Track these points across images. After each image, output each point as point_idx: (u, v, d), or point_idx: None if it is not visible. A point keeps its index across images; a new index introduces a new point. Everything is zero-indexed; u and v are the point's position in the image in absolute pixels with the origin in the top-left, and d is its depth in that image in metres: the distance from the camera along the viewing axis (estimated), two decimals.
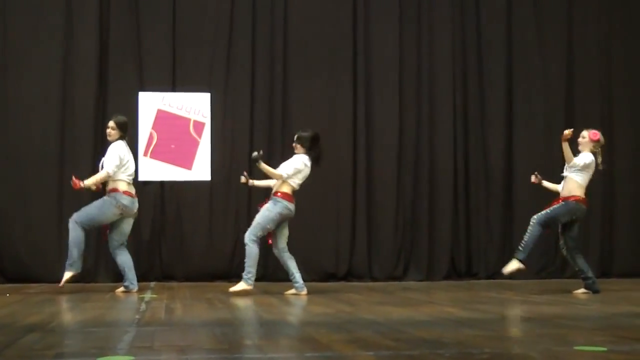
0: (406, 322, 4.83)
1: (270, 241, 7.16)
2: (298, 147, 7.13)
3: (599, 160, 7.20)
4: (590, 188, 7.31)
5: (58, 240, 8.47)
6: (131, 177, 7.25)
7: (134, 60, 8.76)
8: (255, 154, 6.96)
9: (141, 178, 8.61)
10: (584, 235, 9.35)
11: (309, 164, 7.08)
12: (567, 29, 9.61)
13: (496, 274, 9.13)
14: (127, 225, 7.29)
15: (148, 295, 6.79)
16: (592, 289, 7.13)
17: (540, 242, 7.28)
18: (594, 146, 7.12)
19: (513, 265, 7.10)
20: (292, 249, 8.83)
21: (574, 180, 7.11)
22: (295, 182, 7.03)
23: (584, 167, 7.06)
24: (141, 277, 8.40)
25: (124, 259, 7.28)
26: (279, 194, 6.98)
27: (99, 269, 8.54)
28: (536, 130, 9.40)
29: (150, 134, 8.66)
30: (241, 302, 6.18)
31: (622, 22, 9.77)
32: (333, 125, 9.08)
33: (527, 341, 4.15)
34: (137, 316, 5.12)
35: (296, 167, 7.00)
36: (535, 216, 7.17)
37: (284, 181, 6.99)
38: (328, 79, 9.11)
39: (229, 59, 8.95)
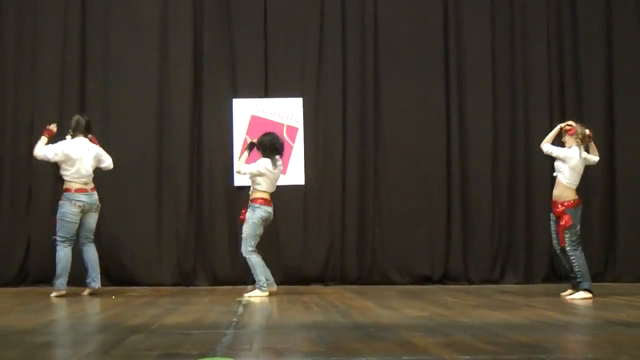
0: (504, 326, 4.75)
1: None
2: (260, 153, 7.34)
3: (583, 153, 7.06)
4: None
5: (157, 245, 8.75)
6: (79, 179, 7.33)
7: (227, 67, 8.97)
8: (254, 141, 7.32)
9: (236, 183, 8.80)
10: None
11: (271, 167, 7.18)
12: None
13: (599, 275, 8.86)
14: (92, 220, 7.41)
15: (245, 298, 6.91)
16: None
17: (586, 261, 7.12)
18: (575, 140, 7.04)
19: (580, 294, 6.87)
20: (387, 250, 8.85)
21: (561, 183, 7.07)
22: (262, 186, 7.19)
23: (565, 159, 7.01)
24: (238, 281, 8.60)
25: (89, 256, 7.37)
26: (256, 200, 7.19)
27: (197, 271, 8.76)
28: (639, 129, 9.05)
29: (245, 140, 8.83)
30: (337, 305, 6.22)
31: None
32: (426, 128, 9.02)
33: (635, 348, 3.98)
34: (235, 319, 5.23)
35: (254, 168, 7.18)
36: (567, 247, 6.97)
37: (257, 189, 7.20)
38: (420, 82, 9.05)
39: (320, 64, 9.03)
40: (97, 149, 7.58)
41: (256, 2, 9.03)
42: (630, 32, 9.14)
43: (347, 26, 9.07)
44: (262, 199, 7.21)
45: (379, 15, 9.09)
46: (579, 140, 7.06)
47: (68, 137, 7.52)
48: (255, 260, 7.20)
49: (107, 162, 7.63)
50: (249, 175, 7.28)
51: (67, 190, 7.35)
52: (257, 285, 7.17)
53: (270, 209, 7.24)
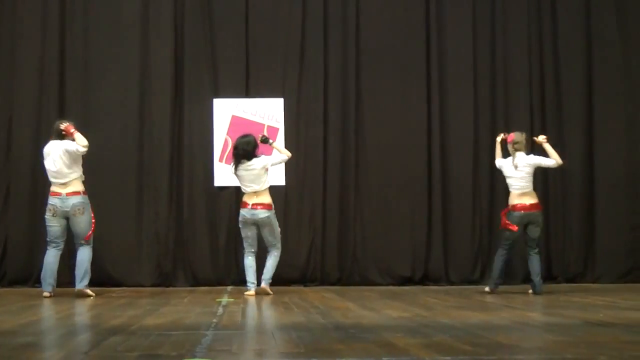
0: (484, 327, 4.77)
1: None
2: None
3: (520, 160, 7.56)
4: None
5: (137, 246, 8.71)
6: (53, 180, 7.23)
7: (208, 67, 8.94)
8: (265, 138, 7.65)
9: (216, 184, 8.78)
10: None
11: (232, 170, 7.55)
12: None
13: (577, 276, 8.95)
14: (75, 226, 7.21)
15: (225, 299, 6.90)
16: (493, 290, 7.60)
17: (507, 264, 7.70)
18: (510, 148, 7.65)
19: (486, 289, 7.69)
20: (368, 251, 8.87)
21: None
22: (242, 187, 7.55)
23: (500, 168, 7.76)
24: (218, 281, 8.59)
25: (77, 258, 7.28)
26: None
27: (177, 272, 8.72)
28: (618, 131, 9.12)
29: (225, 140, 8.81)
30: (317, 306, 6.22)
31: None
32: (407, 129, 9.04)
33: (612, 348, 4.02)
34: (214, 320, 5.22)
35: None
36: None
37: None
38: (401, 83, 9.07)
39: (301, 64, 9.02)
40: (63, 144, 7.24)
41: (238, 2, 9.01)
42: (609, 31, 9.21)
43: (329, 27, 9.07)
44: (241, 201, 7.52)
45: (361, 16, 9.10)
46: (516, 147, 7.57)
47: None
48: (244, 262, 7.54)
49: (73, 146, 7.16)
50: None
51: None
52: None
53: (244, 211, 7.44)
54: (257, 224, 7.42)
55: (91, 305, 6.43)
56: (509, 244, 7.55)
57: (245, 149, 7.41)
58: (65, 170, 7.23)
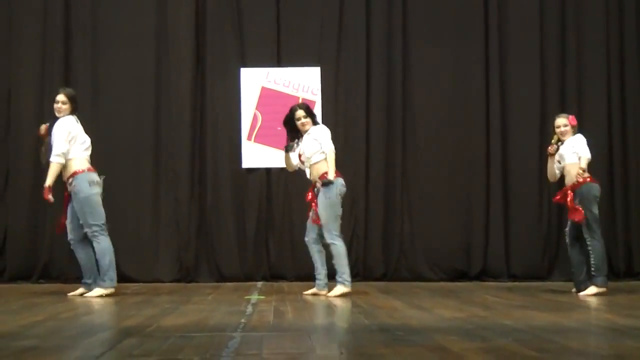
0: (552, 330, 4.74)
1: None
2: (309, 123, 7.11)
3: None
4: None
5: (154, 236, 8.79)
6: (86, 153, 7.06)
7: (234, 32, 8.96)
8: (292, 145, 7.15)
9: (244, 165, 8.81)
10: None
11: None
12: None
13: None
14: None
15: (255, 297, 6.93)
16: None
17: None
18: (574, 131, 7.46)
19: (591, 290, 7.08)
20: (417, 242, 8.84)
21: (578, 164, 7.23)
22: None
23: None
24: (247, 277, 8.63)
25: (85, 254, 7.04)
26: (327, 175, 6.90)
27: (200, 266, 8.79)
28: None
29: (254, 115, 8.83)
30: (359, 305, 6.22)
31: None
32: (462, 100, 9.01)
33: None
34: (242, 320, 5.25)
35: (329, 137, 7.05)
36: (586, 236, 7.13)
37: (326, 159, 6.96)
38: (456, 47, 9.03)
39: (340, 27, 9.01)
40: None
41: None
42: None
43: None
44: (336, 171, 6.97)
45: None
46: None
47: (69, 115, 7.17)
48: (339, 250, 6.93)
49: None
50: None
51: (77, 172, 6.98)
52: (338, 279, 6.94)
53: (343, 180, 7.02)
54: None
55: (102, 304, 6.50)
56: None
57: None
58: None
